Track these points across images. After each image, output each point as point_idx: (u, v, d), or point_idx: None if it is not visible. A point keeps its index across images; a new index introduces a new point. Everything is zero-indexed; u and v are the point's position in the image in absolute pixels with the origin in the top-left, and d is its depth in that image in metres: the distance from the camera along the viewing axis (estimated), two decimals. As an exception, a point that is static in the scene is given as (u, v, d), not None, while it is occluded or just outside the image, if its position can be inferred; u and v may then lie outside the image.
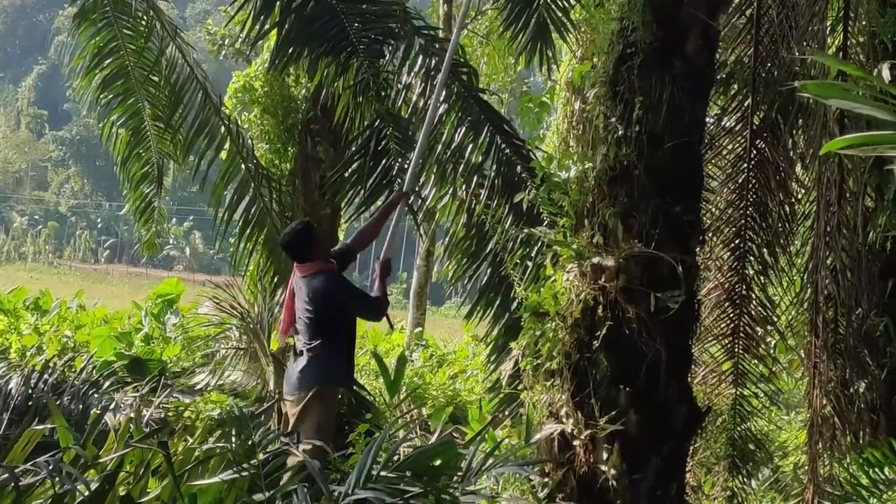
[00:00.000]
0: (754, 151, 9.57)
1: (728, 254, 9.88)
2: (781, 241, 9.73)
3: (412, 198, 9.55)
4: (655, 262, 7.28)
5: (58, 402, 9.07)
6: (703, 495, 10.02)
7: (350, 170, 10.59)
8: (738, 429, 10.19)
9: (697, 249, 8.00)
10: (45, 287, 25.00)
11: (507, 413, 10.01)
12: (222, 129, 12.63)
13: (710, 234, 9.37)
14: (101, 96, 14.15)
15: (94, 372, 12.14)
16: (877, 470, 7.84)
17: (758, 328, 10.04)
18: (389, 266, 8.61)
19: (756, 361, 10.10)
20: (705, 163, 8.92)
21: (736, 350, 10.05)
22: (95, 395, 10.41)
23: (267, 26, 10.82)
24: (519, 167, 10.44)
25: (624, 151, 7.44)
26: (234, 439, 5.50)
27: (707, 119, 8.64)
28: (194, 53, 13.48)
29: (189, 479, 5.01)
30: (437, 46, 10.76)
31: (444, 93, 9.96)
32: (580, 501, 7.08)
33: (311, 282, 8.19)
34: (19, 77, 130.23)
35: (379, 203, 9.76)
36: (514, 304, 10.21)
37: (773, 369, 10.26)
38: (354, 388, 12.31)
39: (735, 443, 10.17)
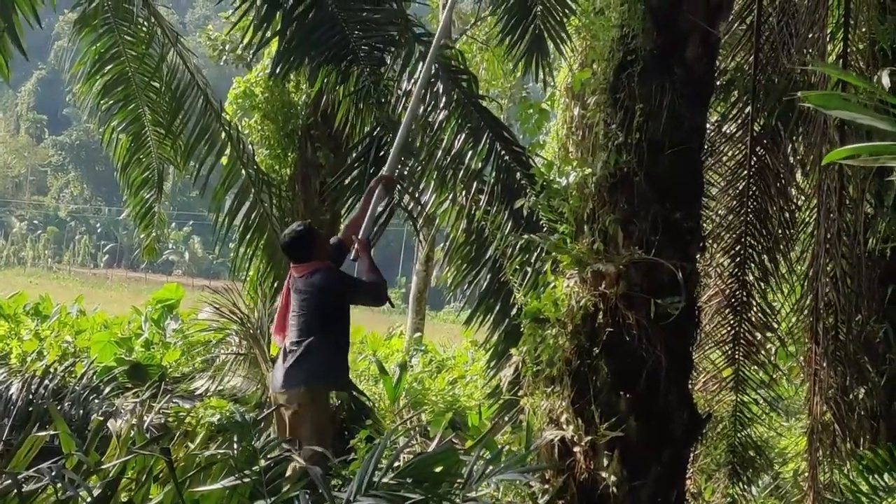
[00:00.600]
0: (754, 158, 9.58)
1: (728, 260, 9.89)
2: (782, 247, 9.74)
3: (395, 181, 9.40)
4: (656, 268, 7.29)
5: (59, 408, 9.08)
6: (703, 502, 10.02)
7: (350, 177, 10.60)
8: (739, 435, 10.20)
9: (698, 256, 8.01)
10: (45, 292, 25.02)
11: (507, 419, 10.01)
12: (223, 134, 12.65)
13: (710, 241, 9.38)
14: (102, 102, 14.18)
15: (95, 377, 12.16)
16: (877, 476, 7.85)
17: (758, 335, 10.04)
18: (369, 244, 8.53)
19: (756, 368, 10.10)
20: (705, 169, 8.94)
21: (736, 356, 10.05)
22: (96, 401, 10.42)
23: (268, 34, 10.84)
24: (518, 173, 10.45)
25: (624, 158, 7.44)
26: (235, 445, 5.50)
27: (707, 126, 8.65)
28: (194, 59, 13.50)
29: (191, 486, 5.01)
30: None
31: (431, 72, 9.86)
32: (581, 508, 7.08)
33: (308, 280, 8.15)
34: (19, 82, 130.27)
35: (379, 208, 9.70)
36: (514, 310, 10.22)
37: (774, 376, 10.26)
38: (354, 393, 12.33)
39: (735, 449, 10.18)
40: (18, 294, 22.27)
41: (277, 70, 10.88)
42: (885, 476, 7.48)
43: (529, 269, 9.65)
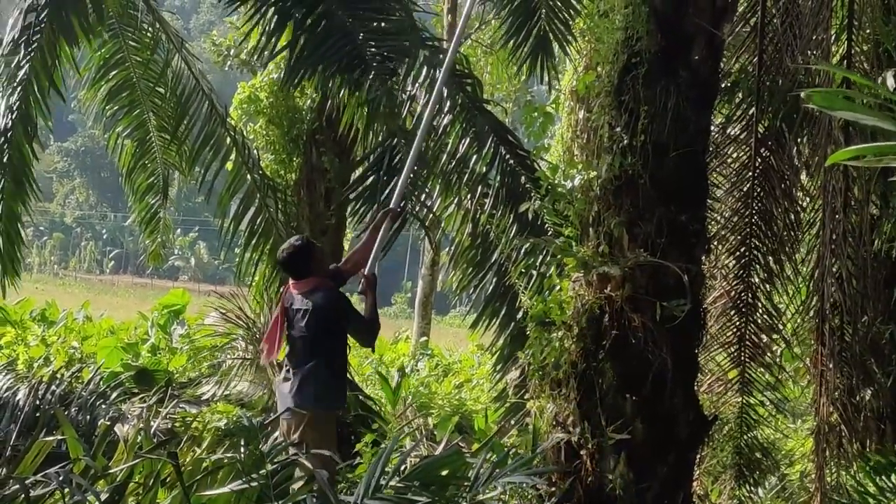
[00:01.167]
0: (759, 160, 9.59)
1: (734, 262, 9.89)
2: (787, 249, 9.74)
3: (401, 213, 9.23)
4: (661, 270, 7.30)
5: (66, 414, 9.09)
6: (710, 503, 10.01)
7: (363, 185, 10.57)
8: (745, 437, 10.19)
9: (703, 258, 8.01)
10: (51, 298, 25.05)
11: (513, 422, 10.01)
12: (228, 139, 12.65)
13: (715, 243, 9.38)
14: (107, 108, 14.21)
15: (102, 383, 12.16)
16: (884, 477, 7.86)
17: (764, 336, 10.04)
18: (375, 282, 8.32)
19: (762, 370, 10.10)
20: (710, 171, 8.94)
21: (742, 358, 10.05)
22: (103, 406, 10.43)
23: (279, 44, 10.88)
24: (523, 177, 10.45)
25: (629, 160, 7.45)
26: (242, 449, 5.51)
27: (712, 128, 8.66)
28: (199, 64, 13.50)
29: (198, 490, 5.02)
30: (441, 58, 10.77)
31: (436, 111, 9.81)
32: (588, 510, 7.09)
33: (308, 298, 7.91)
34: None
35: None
36: (520, 314, 10.22)
37: (780, 377, 10.26)
38: (361, 398, 12.33)
39: (742, 451, 10.17)
40: (25, 300, 22.28)
41: (289, 80, 10.88)
42: (893, 477, 7.49)
43: (535, 273, 9.64)
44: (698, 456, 8.68)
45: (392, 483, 5.34)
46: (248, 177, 12.57)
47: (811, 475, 9.98)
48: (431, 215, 10.87)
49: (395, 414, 13.72)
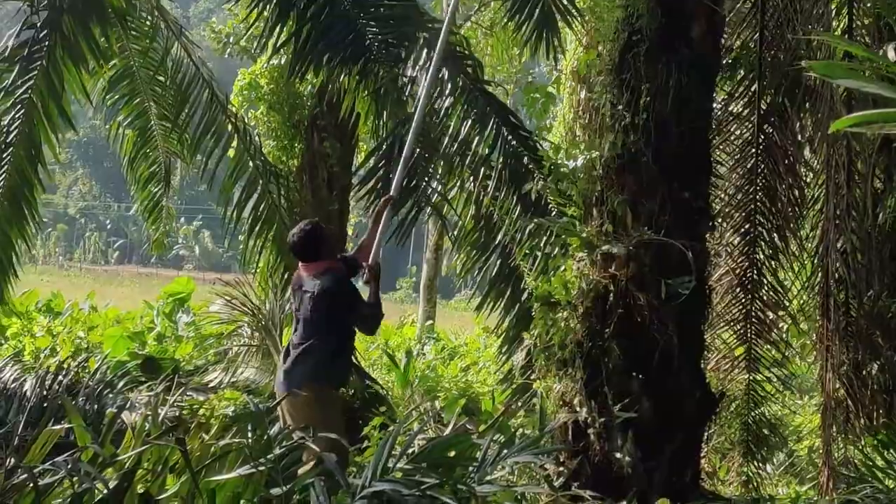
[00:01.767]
0: (762, 136, 9.58)
1: (738, 239, 9.89)
2: (791, 225, 9.73)
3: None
4: (665, 248, 7.28)
5: (73, 403, 9.10)
6: (718, 481, 10.02)
7: (376, 178, 10.56)
8: (752, 414, 10.20)
9: (707, 235, 8.00)
10: (57, 289, 25.05)
11: (520, 403, 10.01)
12: (229, 127, 12.64)
13: (719, 220, 9.37)
14: (108, 97, 14.18)
15: (108, 372, 12.16)
16: (891, 451, 7.85)
17: (770, 313, 10.04)
18: (379, 271, 8.29)
19: (769, 346, 10.11)
20: (713, 148, 8.93)
21: (748, 335, 10.05)
22: (110, 395, 10.43)
23: (283, 35, 10.83)
24: (526, 158, 10.43)
25: (631, 139, 7.44)
26: (250, 435, 5.51)
27: (714, 105, 8.64)
28: (199, 52, 13.47)
29: (207, 475, 5.02)
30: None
31: (432, 94, 9.75)
32: (596, 489, 7.08)
33: (316, 280, 7.93)
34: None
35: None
36: (525, 295, 10.22)
37: (786, 354, 10.26)
38: (368, 382, 12.33)
39: (749, 428, 10.18)
40: (30, 292, 22.29)
41: (295, 71, 10.85)
42: (900, 451, 7.49)
43: (539, 254, 9.62)
44: (706, 433, 8.69)
45: (400, 465, 5.34)
46: (251, 164, 12.57)
47: (819, 450, 9.99)
48: (433, 199, 10.83)
49: (403, 397, 13.75)
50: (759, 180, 9.66)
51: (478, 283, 11.23)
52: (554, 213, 8.91)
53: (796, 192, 9.64)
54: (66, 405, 6.56)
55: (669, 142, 7.43)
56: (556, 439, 7.53)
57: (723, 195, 9.80)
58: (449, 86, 10.55)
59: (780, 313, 10.12)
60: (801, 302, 10.03)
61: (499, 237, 10.65)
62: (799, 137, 9.55)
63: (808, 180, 9.81)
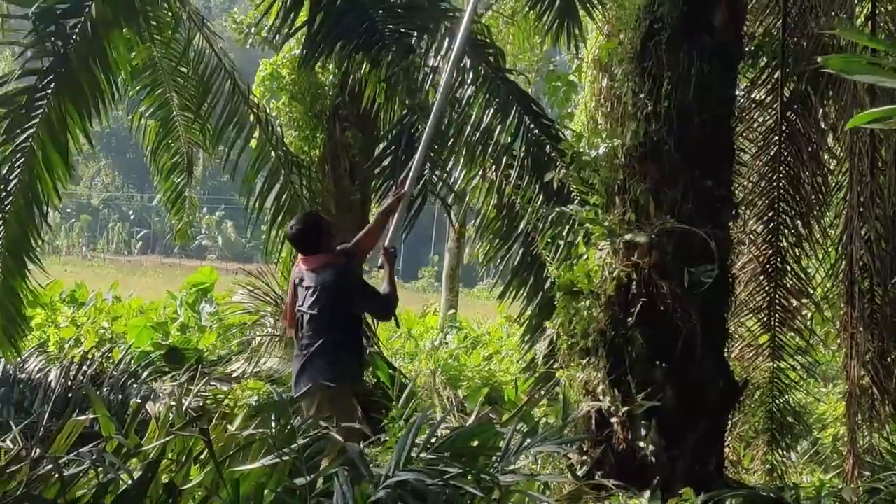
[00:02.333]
0: (785, 123, 9.53)
1: (762, 227, 9.85)
2: (815, 212, 9.69)
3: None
4: (688, 237, 7.27)
5: (97, 393, 9.14)
6: (742, 469, 10.00)
7: (382, 165, 10.58)
8: (777, 402, 10.17)
9: (731, 223, 7.98)
10: (81, 280, 25.13)
11: (543, 392, 10.01)
12: (251, 117, 12.65)
13: (743, 208, 9.34)
14: (130, 88, 14.20)
15: (132, 362, 12.23)
16: (917, 439, 7.81)
17: (793, 301, 10.01)
18: (395, 255, 8.20)
19: (793, 334, 10.07)
20: (736, 136, 8.90)
21: (772, 323, 10.02)
22: (134, 385, 10.49)
23: (297, 24, 10.83)
24: (548, 147, 10.40)
25: (654, 127, 7.42)
26: (273, 425, 5.52)
27: (736, 92, 8.60)
28: (221, 42, 13.48)
29: (231, 465, 5.04)
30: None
31: (452, 87, 9.69)
32: (619, 478, 7.09)
33: (318, 275, 7.78)
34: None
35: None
36: (547, 284, 10.21)
37: (810, 341, 10.22)
38: (391, 371, 12.34)
39: (773, 416, 10.15)
40: (54, 282, 22.39)
41: (307, 59, 10.85)
42: (926, 438, 7.45)
43: (561, 242, 9.61)
44: (730, 422, 8.67)
45: (423, 455, 5.35)
46: (273, 154, 12.58)
47: (843, 438, 9.96)
48: (455, 188, 10.82)
49: (424, 387, 13.76)
50: (782, 168, 9.62)
51: (500, 272, 11.22)
52: (576, 201, 8.90)
53: (820, 180, 9.60)
54: (90, 395, 6.59)
55: (692, 130, 7.41)
56: (579, 428, 7.53)
57: (746, 183, 9.76)
58: (471, 75, 10.53)
59: (804, 301, 10.08)
60: (826, 289, 9.98)
61: (521, 226, 10.63)
62: (822, 124, 9.50)
63: (832, 167, 9.76)
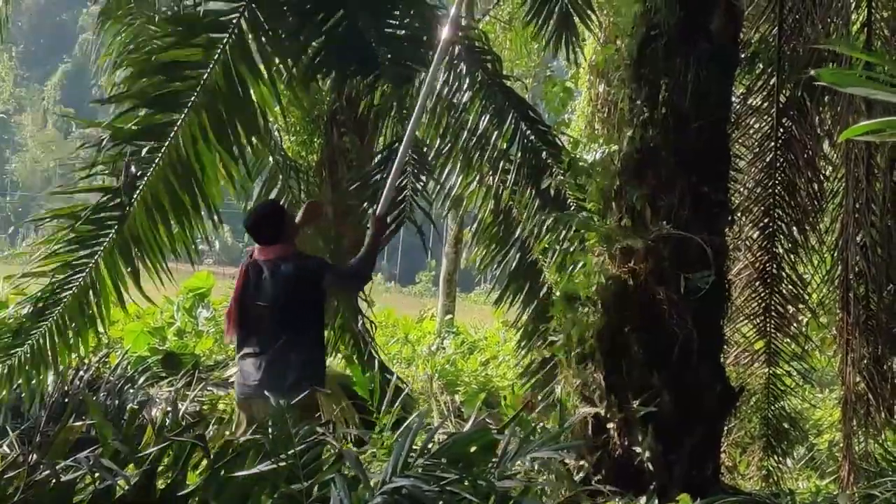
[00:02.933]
0: (781, 130, 9.56)
1: (758, 233, 9.88)
2: (811, 218, 9.73)
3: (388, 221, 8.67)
4: (684, 243, 7.28)
5: (94, 399, 9.14)
6: (738, 475, 10.02)
7: (371, 190, 10.61)
8: (772, 408, 10.20)
9: (727, 229, 8.00)
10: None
11: (539, 398, 10.02)
12: (249, 121, 12.64)
13: (739, 214, 9.37)
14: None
15: (129, 367, 12.21)
16: (912, 445, 7.82)
17: (789, 307, 10.04)
18: (385, 224, 7.92)
19: (788, 340, 10.10)
20: (732, 142, 8.92)
21: (768, 329, 10.05)
22: (131, 391, 10.47)
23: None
24: (545, 153, 10.42)
25: (650, 133, 7.43)
26: (270, 430, 5.52)
27: (733, 98, 8.63)
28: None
29: (227, 471, 5.04)
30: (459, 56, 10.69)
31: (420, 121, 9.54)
32: (616, 483, 7.09)
33: (276, 268, 7.50)
34: (45, 76, 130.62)
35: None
36: (544, 290, 10.23)
37: (806, 347, 10.25)
38: (387, 376, 12.33)
39: (769, 422, 10.18)
40: (51, 287, 22.35)
41: (304, 80, 10.78)
42: (921, 445, 7.46)
43: (558, 248, 9.62)
44: (726, 427, 8.69)
45: (420, 460, 5.36)
46: (270, 158, 12.58)
47: (839, 444, 9.99)
48: (453, 193, 10.83)
49: (421, 392, 13.76)
50: (778, 174, 9.65)
51: (497, 277, 11.24)
52: (573, 207, 8.91)
53: (815, 186, 9.63)
54: (87, 401, 6.60)
55: (689, 136, 7.42)
56: (576, 434, 7.54)
57: (742, 189, 9.79)
58: (467, 80, 10.55)
59: (800, 307, 10.11)
60: (821, 295, 10.01)
61: (517, 231, 10.65)
62: (818, 131, 9.53)
63: (828, 174, 9.79)
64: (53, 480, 4.69)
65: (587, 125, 16.60)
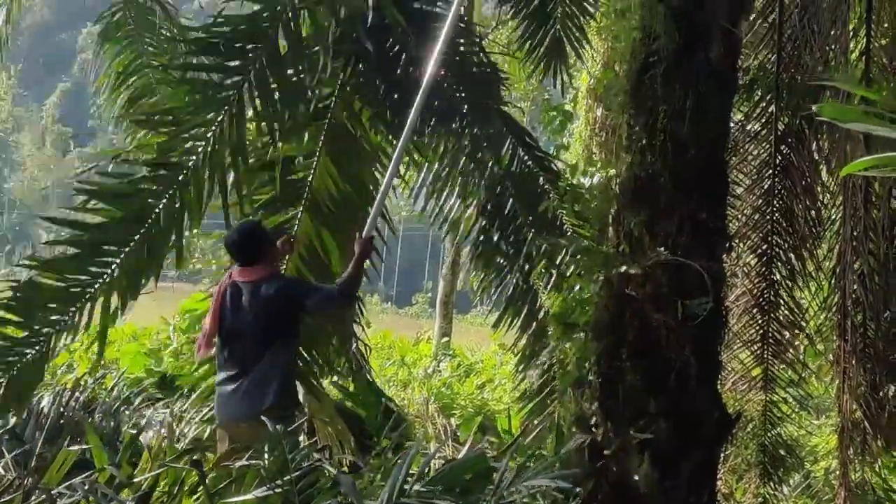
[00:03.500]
0: (779, 157, 9.57)
1: (755, 260, 9.87)
2: (808, 245, 9.72)
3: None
4: (682, 269, 7.27)
5: (90, 420, 9.13)
6: (735, 502, 10.01)
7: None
8: (769, 435, 10.18)
9: (724, 256, 8.00)
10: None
11: (536, 423, 10.01)
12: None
13: (736, 240, 9.36)
14: (128, 113, 14.21)
15: (125, 389, 12.21)
16: (909, 474, 7.81)
17: (786, 333, 10.03)
18: (370, 246, 7.77)
19: (785, 367, 10.09)
20: (730, 169, 8.92)
21: (765, 356, 10.03)
22: (127, 412, 10.47)
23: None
24: (541, 178, 10.43)
25: (649, 159, 7.43)
26: (266, 455, 5.51)
27: (731, 125, 8.64)
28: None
29: (223, 497, 5.04)
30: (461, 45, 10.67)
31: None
32: (612, 510, 7.08)
33: (256, 290, 7.43)
34: (43, 95, 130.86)
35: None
36: (542, 313, 10.23)
37: (803, 374, 10.25)
38: (383, 399, 12.31)
39: (766, 449, 10.16)
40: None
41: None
42: (918, 474, 7.45)
43: (554, 273, 9.62)
44: (722, 454, 8.67)
45: (416, 487, 5.35)
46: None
47: (836, 472, 9.97)
48: (450, 217, 10.82)
49: (417, 415, 13.75)
50: (776, 201, 9.66)
51: (494, 301, 11.23)
52: (570, 232, 8.92)
53: (813, 213, 9.63)
54: (83, 425, 6.59)
55: (687, 162, 7.42)
56: (572, 460, 7.52)
57: (740, 216, 9.79)
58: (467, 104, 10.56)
59: (797, 334, 10.10)
60: (819, 322, 10.01)
61: (515, 255, 10.64)
62: (816, 158, 9.54)
63: (826, 201, 9.80)
64: (49, 505, 4.69)
65: (585, 149, 16.63)
